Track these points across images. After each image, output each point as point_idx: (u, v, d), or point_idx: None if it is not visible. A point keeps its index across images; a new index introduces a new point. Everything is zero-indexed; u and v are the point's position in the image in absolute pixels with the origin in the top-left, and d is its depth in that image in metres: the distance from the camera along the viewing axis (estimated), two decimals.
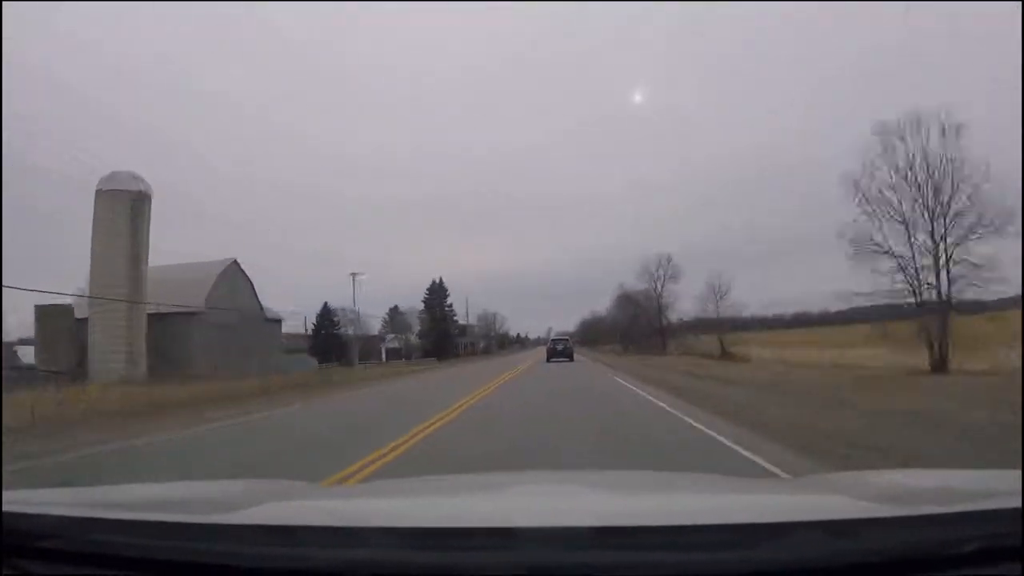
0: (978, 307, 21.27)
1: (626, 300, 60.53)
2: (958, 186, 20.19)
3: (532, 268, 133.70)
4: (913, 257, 21.13)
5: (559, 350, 39.84)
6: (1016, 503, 1.20)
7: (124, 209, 30.21)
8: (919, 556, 1.18)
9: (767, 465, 6.57)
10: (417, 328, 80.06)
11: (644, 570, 1.16)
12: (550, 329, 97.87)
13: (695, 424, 10.16)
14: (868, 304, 23.69)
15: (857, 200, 21.75)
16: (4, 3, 17.02)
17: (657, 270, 54.37)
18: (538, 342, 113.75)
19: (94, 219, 30.38)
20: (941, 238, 20.53)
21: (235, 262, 39.14)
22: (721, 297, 45.20)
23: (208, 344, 34.10)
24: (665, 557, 1.17)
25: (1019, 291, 20.31)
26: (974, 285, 20.35)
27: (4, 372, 21.90)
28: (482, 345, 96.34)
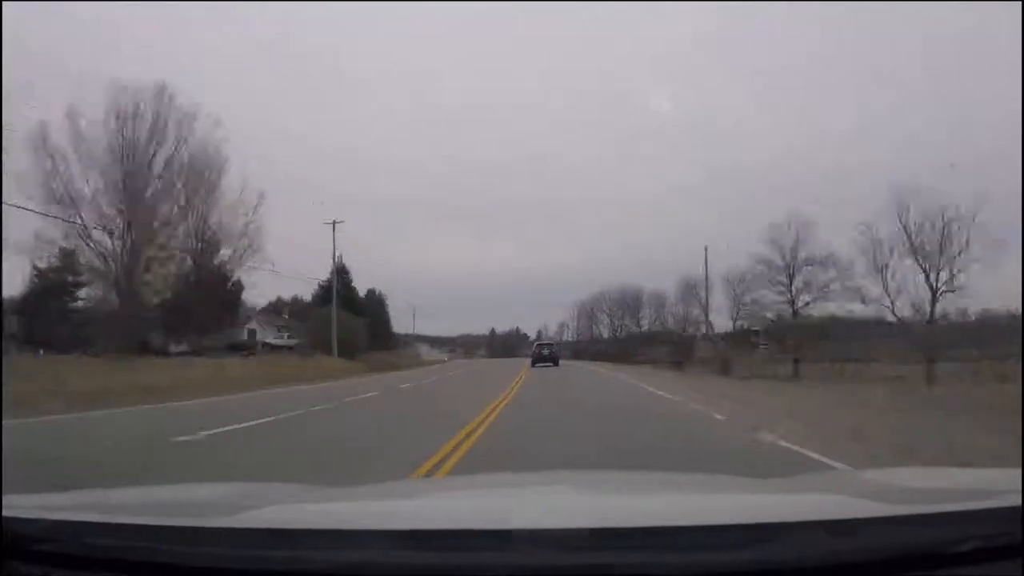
0: None
1: None
2: None
3: (548, 269, 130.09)
4: None
5: (545, 355, 41.87)
6: (1016, 501, 1.21)
7: None
8: (919, 554, 1.18)
9: None
10: None
11: (642, 571, 1.16)
12: (545, 326, 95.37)
13: None
14: None
15: None
16: (4, 3, 17.06)
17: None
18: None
19: None
20: None
21: None
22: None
23: None
24: (663, 558, 1.17)
25: None
26: None
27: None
28: None
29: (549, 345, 45.55)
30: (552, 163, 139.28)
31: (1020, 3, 14.77)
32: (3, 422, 7.72)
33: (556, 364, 40.24)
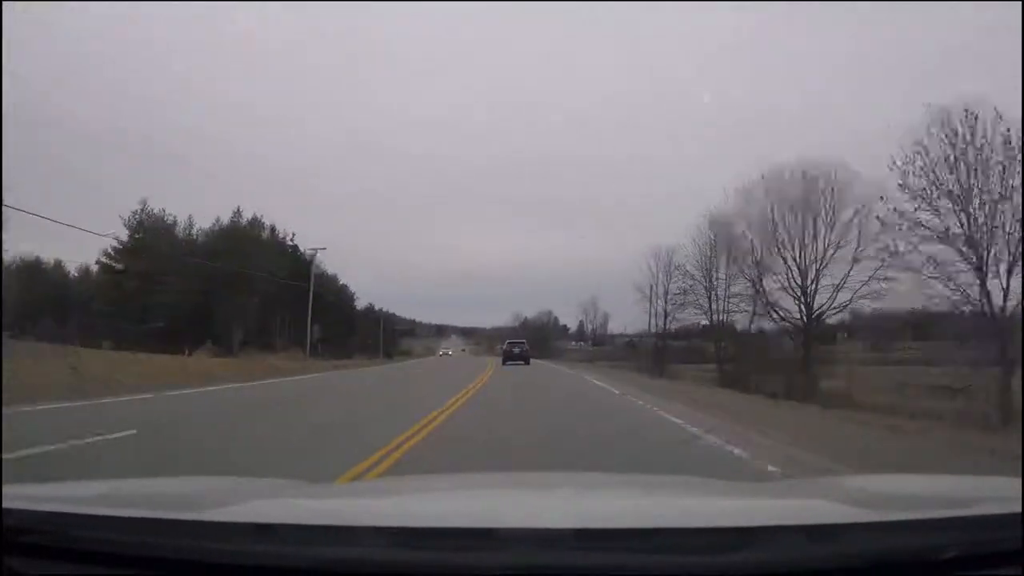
0: None
1: None
2: None
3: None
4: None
5: (516, 353, 41.29)
6: (1016, 508, 1.22)
7: None
8: (896, 561, 1.19)
9: None
10: None
11: (626, 572, 1.17)
12: (591, 311, 78.55)
13: None
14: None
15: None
16: (4, 3, 15.79)
17: None
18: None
19: None
20: None
21: None
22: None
23: None
24: (647, 559, 1.19)
25: None
26: None
27: None
28: None
29: (520, 343, 45.00)
30: (612, 152, 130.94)
31: (1020, 2, 13.56)
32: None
33: (527, 363, 39.69)
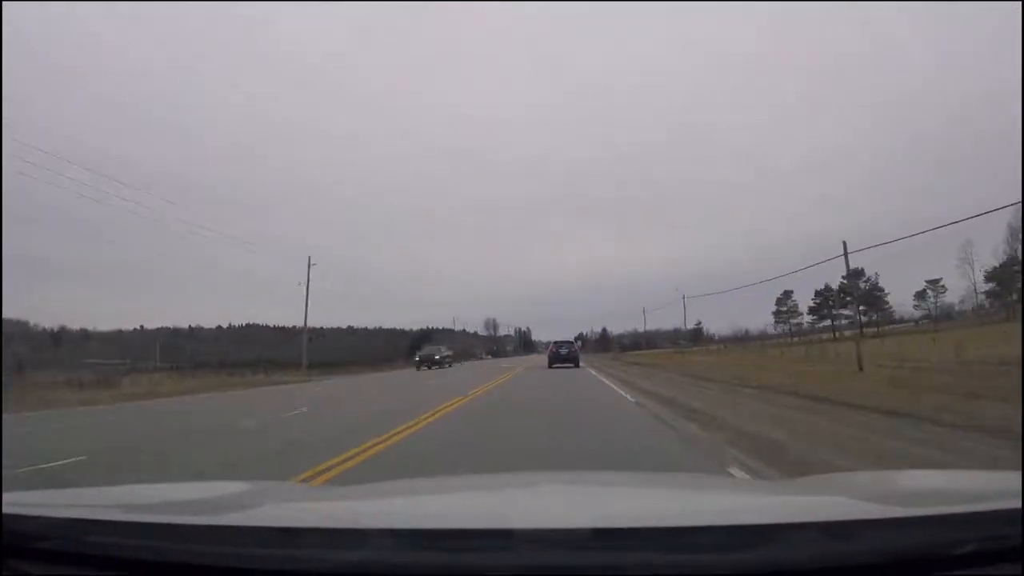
0: None
1: None
2: None
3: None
4: None
5: (563, 355, 37.60)
6: (1016, 504, 1.20)
7: None
8: (915, 557, 1.18)
9: None
10: None
11: (642, 571, 1.16)
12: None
13: None
14: None
15: None
16: (4, 3, 16.46)
17: None
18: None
19: None
20: None
21: None
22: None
23: None
24: (663, 558, 1.18)
25: None
26: None
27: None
28: None
29: (568, 344, 40.02)
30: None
31: (1020, 3, 14.45)
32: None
33: (576, 365, 35.73)
